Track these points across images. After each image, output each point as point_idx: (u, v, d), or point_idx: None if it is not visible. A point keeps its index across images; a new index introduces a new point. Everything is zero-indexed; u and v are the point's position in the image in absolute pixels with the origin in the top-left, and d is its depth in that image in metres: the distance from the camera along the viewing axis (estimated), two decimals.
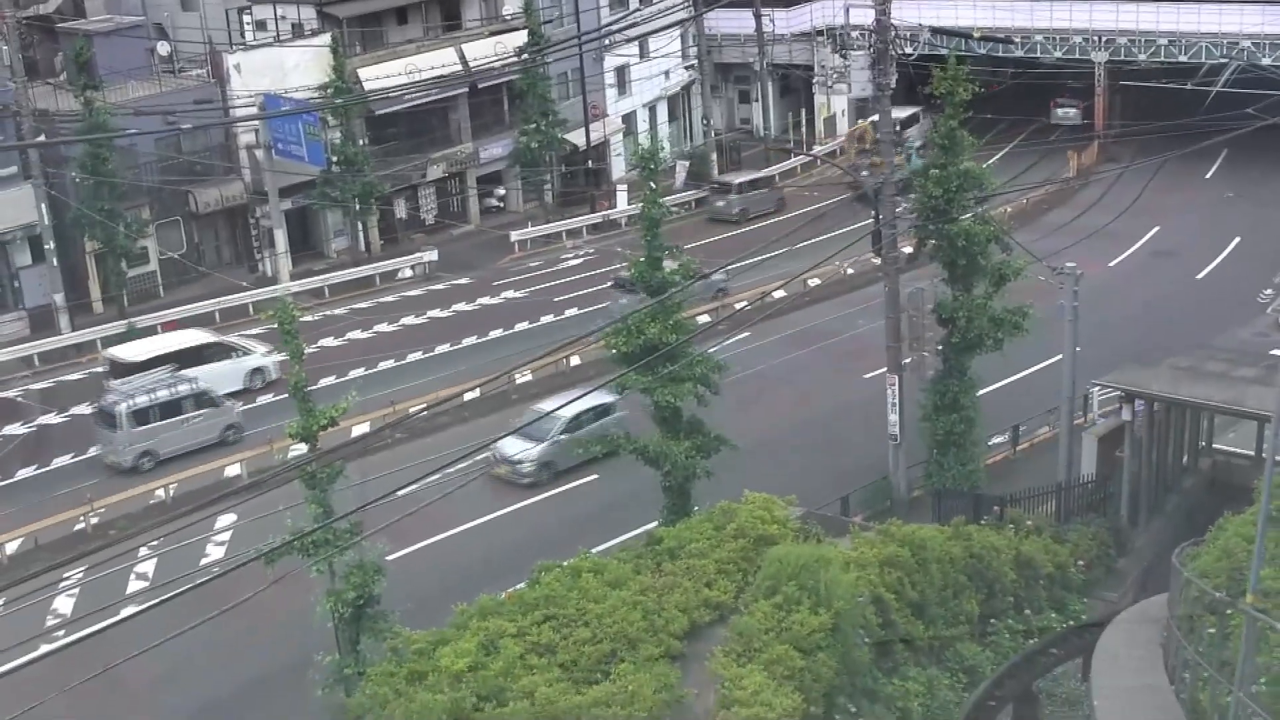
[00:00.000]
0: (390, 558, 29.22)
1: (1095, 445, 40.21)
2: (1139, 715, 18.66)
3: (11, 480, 47.44)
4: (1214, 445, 42.57)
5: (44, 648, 33.00)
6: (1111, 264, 63.25)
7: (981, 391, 43.00)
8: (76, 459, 48.68)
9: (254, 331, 58.00)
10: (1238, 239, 65.87)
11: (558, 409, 41.69)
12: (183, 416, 48.19)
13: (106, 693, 32.39)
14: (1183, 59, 76.37)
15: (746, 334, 52.50)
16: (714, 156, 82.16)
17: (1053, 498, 39.64)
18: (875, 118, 68.43)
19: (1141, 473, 38.90)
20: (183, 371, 50.10)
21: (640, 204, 36.55)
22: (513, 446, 43.77)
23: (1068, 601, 34.83)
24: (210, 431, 48.73)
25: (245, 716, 33.17)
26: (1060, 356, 40.70)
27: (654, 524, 34.48)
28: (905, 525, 31.37)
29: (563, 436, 43.53)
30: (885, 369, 42.09)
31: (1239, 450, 41.31)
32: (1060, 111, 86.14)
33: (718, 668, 23.67)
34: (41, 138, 57.92)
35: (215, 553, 41.00)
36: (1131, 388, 37.91)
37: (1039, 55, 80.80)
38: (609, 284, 60.45)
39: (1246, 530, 22.70)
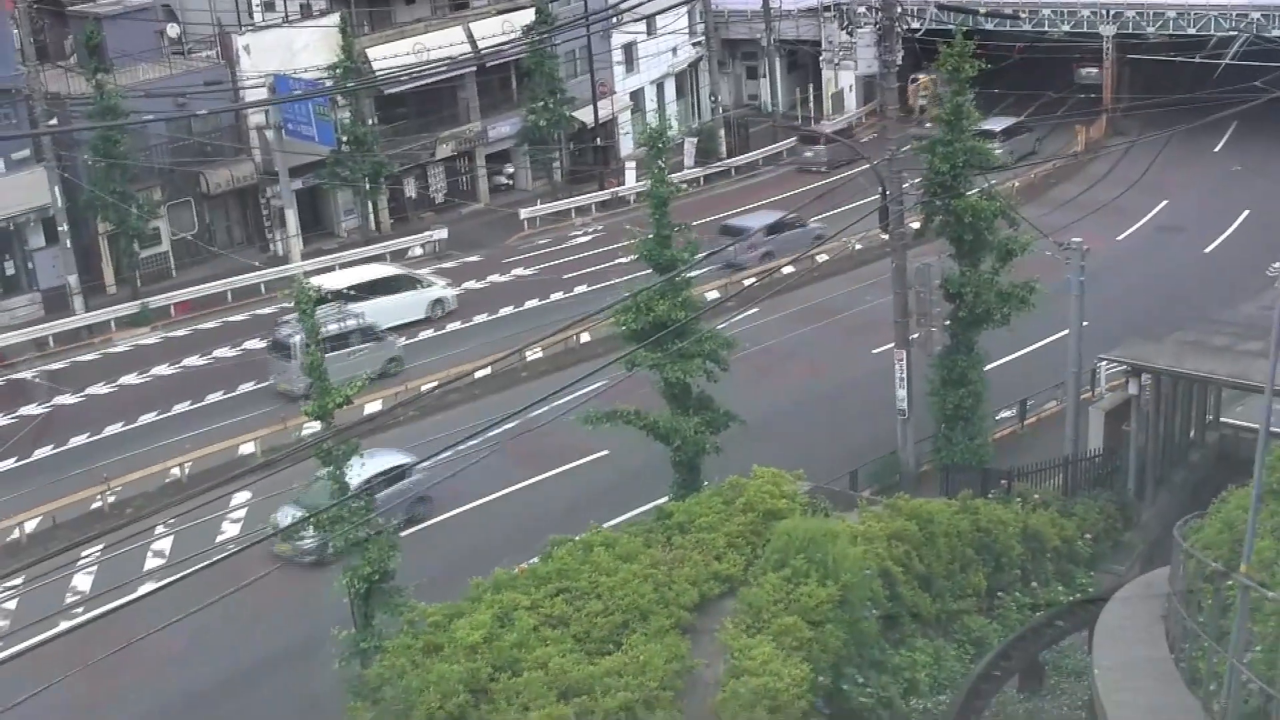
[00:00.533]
0: (403, 534, 29.59)
1: (1102, 419, 40.38)
2: (1138, 684, 18.97)
3: (27, 460, 47.81)
4: (1222, 419, 42.64)
5: (63, 624, 33.46)
6: (1119, 238, 63.38)
7: (989, 366, 43.21)
8: (92, 438, 49.09)
9: (430, 269, 63.35)
10: (1246, 212, 65.90)
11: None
12: (350, 349, 50.59)
13: (126, 667, 32.95)
14: (1191, 31, 76.12)
15: (755, 309, 52.68)
16: (721, 133, 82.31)
17: (1060, 472, 39.87)
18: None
19: (1148, 446, 39.07)
20: (352, 306, 53.50)
21: (649, 181, 36.87)
22: (293, 517, 37.27)
23: (1075, 575, 35.07)
24: (374, 364, 50.13)
25: (262, 690, 33.50)
26: (1067, 331, 40.96)
27: (664, 499, 34.76)
28: (912, 499, 31.76)
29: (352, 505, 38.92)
30: (893, 344, 42.34)
31: (1247, 424, 41.29)
32: (1084, 71, 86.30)
33: (727, 639, 24.16)
34: (53, 121, 58.30)
35: (230, 530, 41.43)
36: (1137, 362, 38.11)
37: (1047, 29, 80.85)
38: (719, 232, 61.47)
39: (1249, 503, 22.98)
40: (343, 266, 62.08)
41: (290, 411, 46.78)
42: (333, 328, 49.52)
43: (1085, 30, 79.44)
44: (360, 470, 34.68)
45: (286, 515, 38.07)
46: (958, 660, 28.67)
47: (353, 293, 54.98)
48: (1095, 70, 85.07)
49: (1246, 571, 17.47)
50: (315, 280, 54.52)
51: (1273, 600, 16.39)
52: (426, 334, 57.05)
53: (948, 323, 41.51)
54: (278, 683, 33.66)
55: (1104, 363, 44.16)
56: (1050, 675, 28.91)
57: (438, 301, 58.83)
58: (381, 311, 55.06)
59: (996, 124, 78.75)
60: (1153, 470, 39.23)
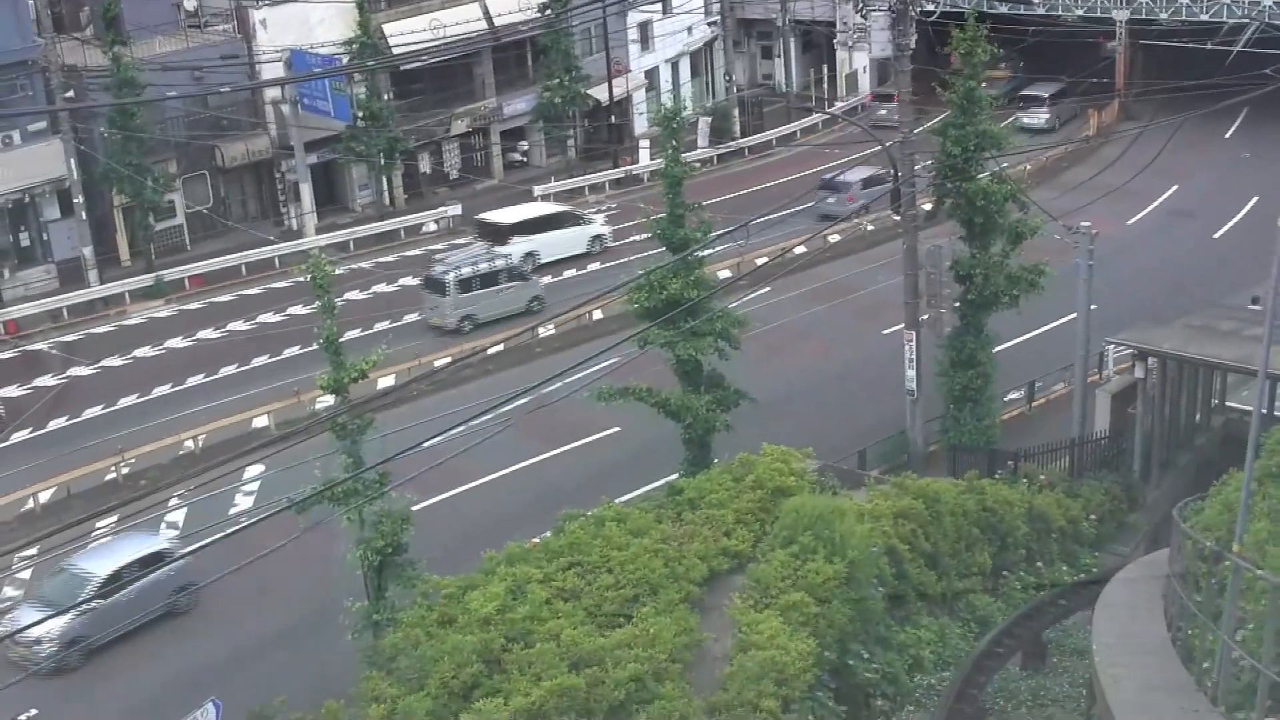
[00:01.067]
0: (415, 509, 29.91)
1: (1109, 402, 40.74)
2: (1135, 661, 19.35)
3: (42, 431, 48.16)
4: (1228, 403, 42.92)
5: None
6: (1129, 222, 63.62)
7: (998, 348, 43.46)
8: (107, 409, 49.47)
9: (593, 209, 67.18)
10: (1256, 198, 66.00)
11: (96, 560, 34.59)
12: (498, 287, 55.15)
13: (137, 637, 33.41)
14: (1204, 18, 76.16)
15: (767, 289, 52.96)
16: (736, 113, 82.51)
17: (1066, 454, 40.23)
18: None
19: (1154, 429, 39.42)
20: (523, 239, 59.71)
21: (662, 160, 37.19)
22: (31, 617, 33.48)
23: (1079, 555, 35.54)
24: (518, 302, 55.43)
25: (274, 659, 33.82)
26: (1076, 314, 41.23)
27: (674, 476, 35.13)
28: (920, 479, 32.14)
29: (97, 602, 34.09)
30: (903, 325, 42.62)
31: (1252, 408, 41.54)
32: (1111, 45, 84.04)
33: (735, 613, 24.60)
34: (70, 93, 58.59)
35: (244, 503, 41.68)
36: (1144, 345, 38.43)
37: (1061, 13, 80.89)
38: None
39: (1237, 482, 23.32)
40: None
41: (442, 343, 51.71)
42: (483, 266, 54.93)
43: (1099, 15, 79.43)
44: (108, 559, 34.51)
45: (27, 614, 34.07)
46: (962, 638, 29.09)
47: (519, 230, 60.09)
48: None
49: (1239, 552, 17.86)
50: (484, 215, 61.95)
51: (1262, 578, 16.74)
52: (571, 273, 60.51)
53: (957, 304, 41.88)
54: (288, 654, 34.00)
55: (1111, 346, 44.42)
56: (1053, 654, 29.27)
57: (597, 237, 62.67)
58: (550, 245, 60.68)
59: (1044, 89, 79.02)
60: (1158, 453, 39.56)
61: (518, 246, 59.39)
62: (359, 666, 27.58)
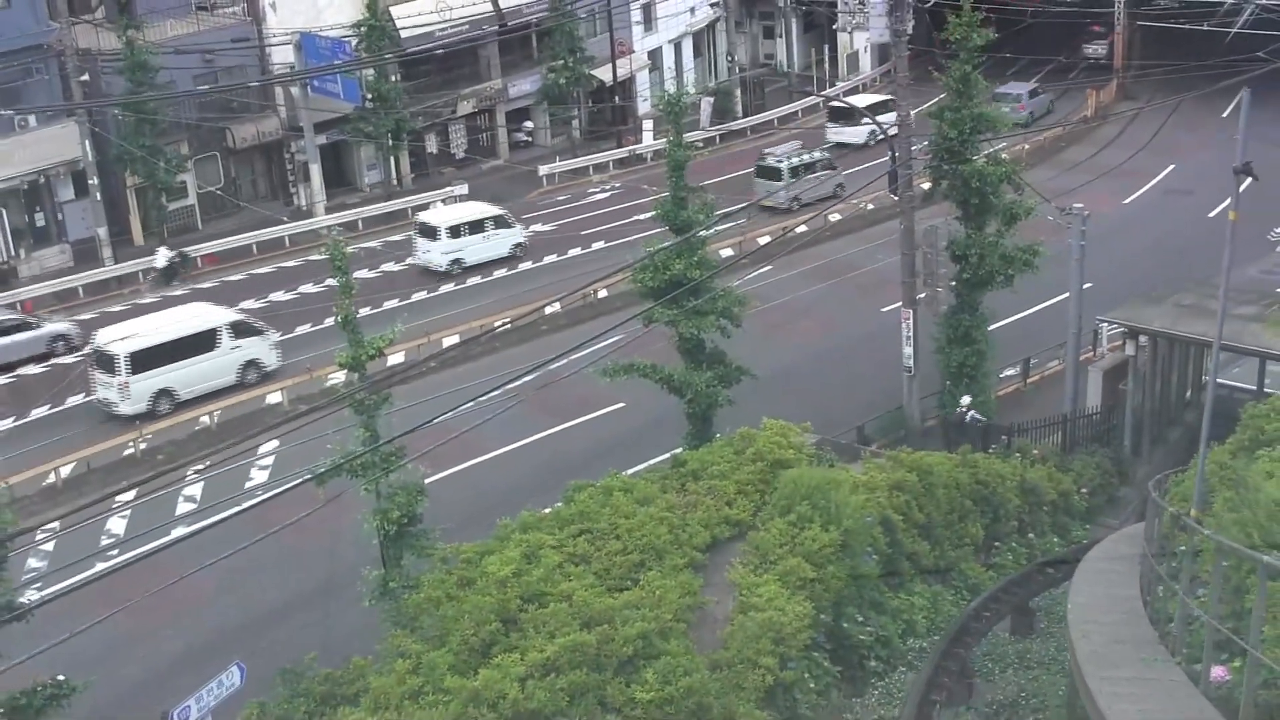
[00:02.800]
0: (427, 481, 30.91)
1: (1101, 379, 41.66)
2: (1105, 619, 20.49)
3: (62, 407, 49.15)
4: (1218, 380, 43.69)
5: (99, 565, 34.84)
6: (1126, 201, 64.41)
7: (995, 326, 44.28)
8: None
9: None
10: (1250, 178, 66.57)
11: None
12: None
13: (159, 607, 34.29)
14: None
15: (769, 267, 53.87)
16: (738, 93, 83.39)
17: (1059, 429, 41.22)
18: None
19: (1145, 405, 40.29)
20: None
21: (666, 141, 38.17)
22: None
23: (1070, 527, 36.48)
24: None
25: (291, 625, 34.79)
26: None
27: (677, 449, 35.96)
28: (914, 452, 33.23)
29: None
30: (901, 303, 43.56)
31: (1242, 385, 42.30)
32: (1091, 47, 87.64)
33: (736, 577, 25.84)
34: (85, 77, 59.55)
35: (259, 476, 42.72)
36: (1134, 324, 39.31)
37: None
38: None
39: (1223, 458, 24.51)
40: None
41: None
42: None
43: None
44: None
45: None
46: (954, 605, 30.18)
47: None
48: (1102, 45, 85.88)
49: (1195, 515, 19.09)
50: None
51: (1210, 539, 17.88)
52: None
53: (954, 283, 42.65)
54: (304, 620, 34.98)
55: (1105, 324, 45.31)
56: (1040, 619, 30.33)
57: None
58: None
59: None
60: (1149, 428, 40.42)
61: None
62: (372, 630, 28.77)
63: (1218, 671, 17.08)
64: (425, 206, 67.70)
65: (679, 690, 22.33)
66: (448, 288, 58.34)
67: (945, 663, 25.62)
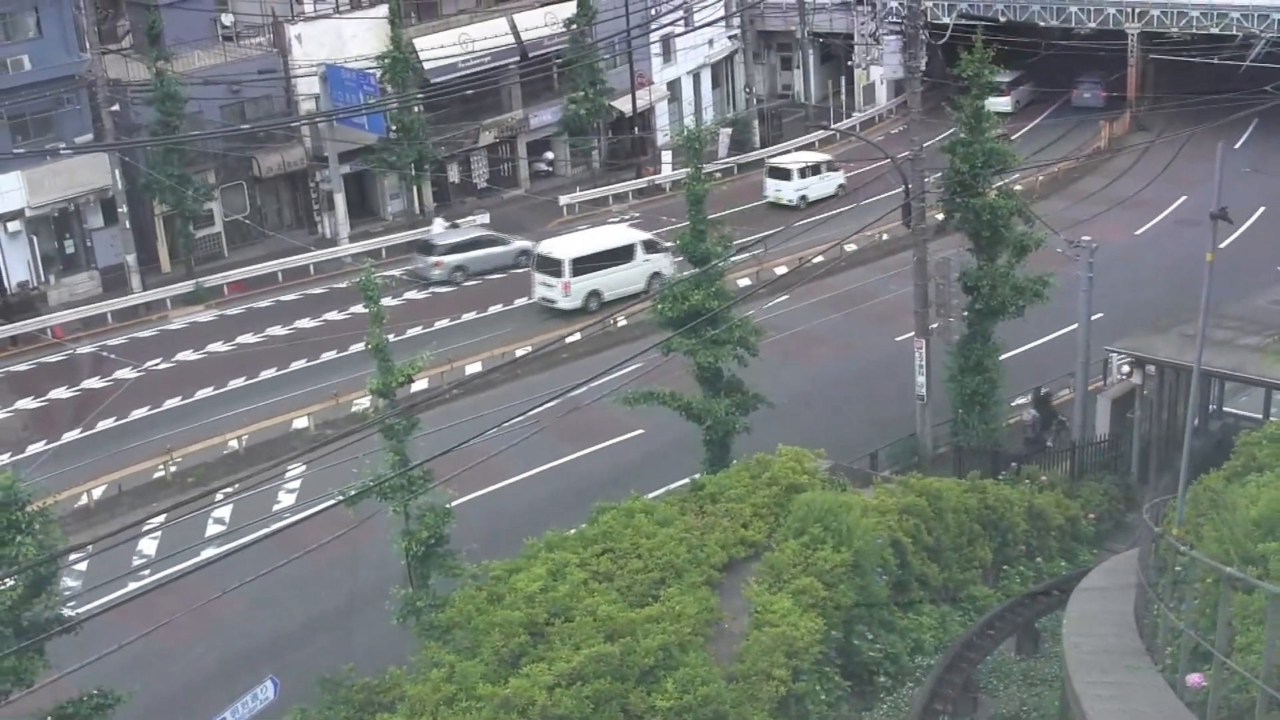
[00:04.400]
0: (453, 504, 31.87)
1: (1109, 407, 42.48)
2: (1096, 631, 21.61)
3: (92, 431, 50.06)
4: (1225, 409, 44.38)
5: (131, 585, 35.80)
6: (1138, 232, 65.10)
7: (1007, 355, 45.16)
8: (152, 410, 51.51)
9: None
10: (1262, 209, 67.00)
11: None
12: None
13: (188, 623, 35.23)
14: (1214, 30, 77.44)
15: (786, 296, 54.71)
16: (755, 124, 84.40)
17: (1068, 456, 42.07)
18: None
19: (1152, 433, 41.08)
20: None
21: (685, 171, 39.15)
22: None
23: (1078, 552, 37.40)
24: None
25: (317, 643, 35.78)
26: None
27: (695, 475, 36.69)
28: (924, 478, 34.29)
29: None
30: (914, 333, 44.43)
31: (1248, 413, 42.96)
32: (1083, 95, 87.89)
33: (751, 595, 27.05)
34: (115, 107, 60.72)
35: (286, 499, 43.75)
36: (1141, 353, 40.15)
37: (1073, 25, 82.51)
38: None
39: (1218, 483, 25.50)
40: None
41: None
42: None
43: (1111, 27, 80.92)
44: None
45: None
46: (961, 625, 31.14)
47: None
48: (1096, 92, 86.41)
49: (1178, 534, 20.19)
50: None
51: (1186, 555, 18.96)
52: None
53: (966, 313, 43.42)
54: (329, 637, 35.97)
55: (1114, 353, 46.06)
56: (1045, 640, 31.23)
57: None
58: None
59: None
60: (1156, 456, 41.21)
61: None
62: (395, 648, 29.96)
63: (1194, 678, 18.16)
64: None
65: (697, 699, 23.73)
66: (470, 315, 59.33)
67: (949, 676, 26.64)
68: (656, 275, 57.60)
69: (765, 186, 72.14)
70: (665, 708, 23.69)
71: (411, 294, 62.07)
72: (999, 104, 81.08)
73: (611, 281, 58.08)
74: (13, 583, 24.25)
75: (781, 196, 71.07)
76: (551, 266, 58.17)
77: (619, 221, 69.16)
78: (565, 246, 59.39)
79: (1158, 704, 18.42)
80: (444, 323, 57.99)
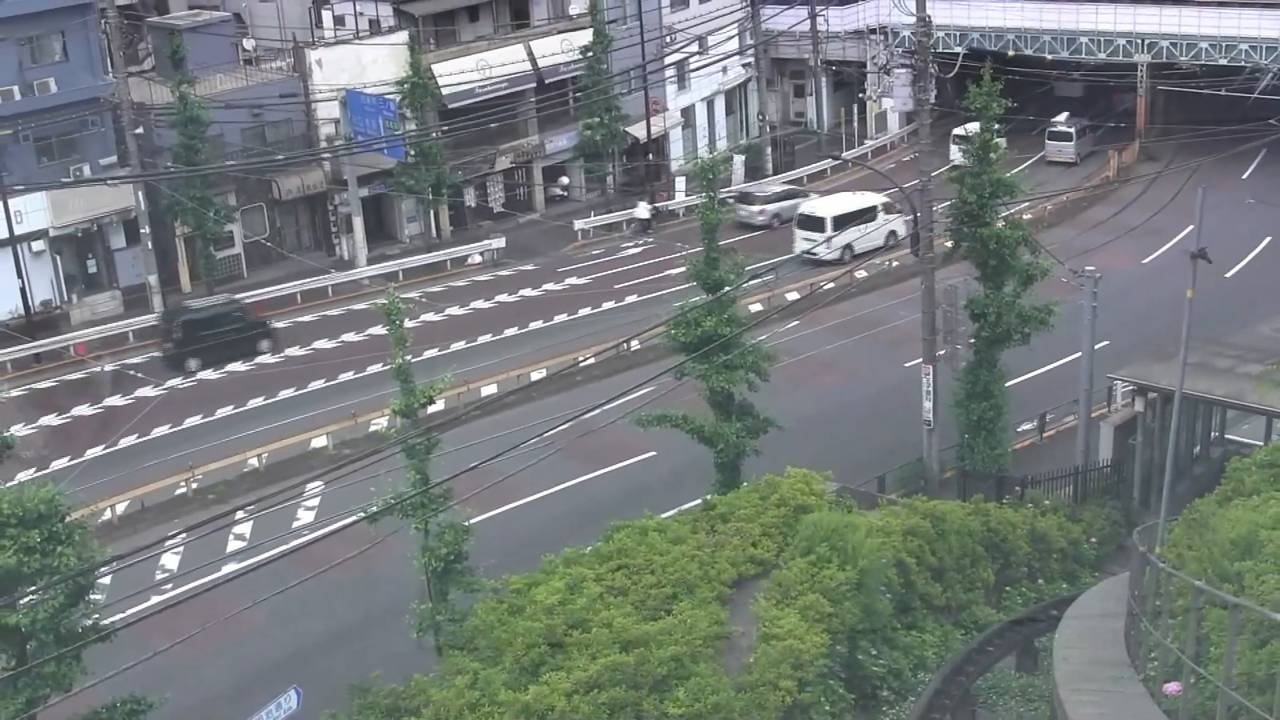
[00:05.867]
0: (470, 522, 32.77)
1: (1112, 433, 43.24)
2: (1085, 644, 22.68)
3: (116, 448, 51.09)
4: (1227, 435, 45.13)
5: (154, 598, 36.74)
6: (1145, 260, 65.70)
7: (1012, 381, 45.96)
8: (174, 429, 52.51)
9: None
10: (1269, 239, 67.72)
11: None
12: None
13: (209, 638, 36.08)
14: (1223, 62, 77.98)
15: (796, 322, 55.53)
16: (768, 151, 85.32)
17: (1071, 481, 42.87)
18: None
19: (1154, 459, 41.79)
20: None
21: (698, 198, 40.00)
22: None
23: (1079, 574, 38.17)
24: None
25: (334, 657, 36.62)
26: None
27: (706, 496, 37.24)
28: (929, 501, 35.25)
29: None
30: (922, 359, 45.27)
31: (1250, 441, 43.65)
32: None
33: (760, 610, 28.14)
34: (139, 130, 61.78)
35: (305, 517, 44.66)
36: (1143, 381, 40.95)
37: (1084, 56, 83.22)
38: None
39: (1208, 508, 26.44)
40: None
41: None
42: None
43: (1120, 58, 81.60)
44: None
45: None
46: (963, 643, 32.03)
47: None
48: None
49: (1160, 553, 21.21)
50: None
51: (1165, 571, 20.02)
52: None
53: (972, 341, 44.31)
54: (349, 651, 36.86)
55: (1118, 381, 46.82)
56: (1046, 658, 32.05)
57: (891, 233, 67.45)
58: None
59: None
60: (1158, 481, 41.90)
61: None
62: (412, 660, 30.88)
63: (1170, 686, 19.19)
64: (463, 259, 69.72)
65: (707, 707, 24.98)
66: (485, 338, 60.20)
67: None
68: (893, 234, 66.85)
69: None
70: (677, 715, 24.90)
71: (429, 316, 62.88)
72: (1061, 152, 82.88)
73: (860, 237, 65.83)
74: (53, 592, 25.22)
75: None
76: (814, 224, 66.93)
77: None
78: (826, 206, 69.06)
79: (1137, 711, 19.42)
80: (460, 345, 58.84)
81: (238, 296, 63.11)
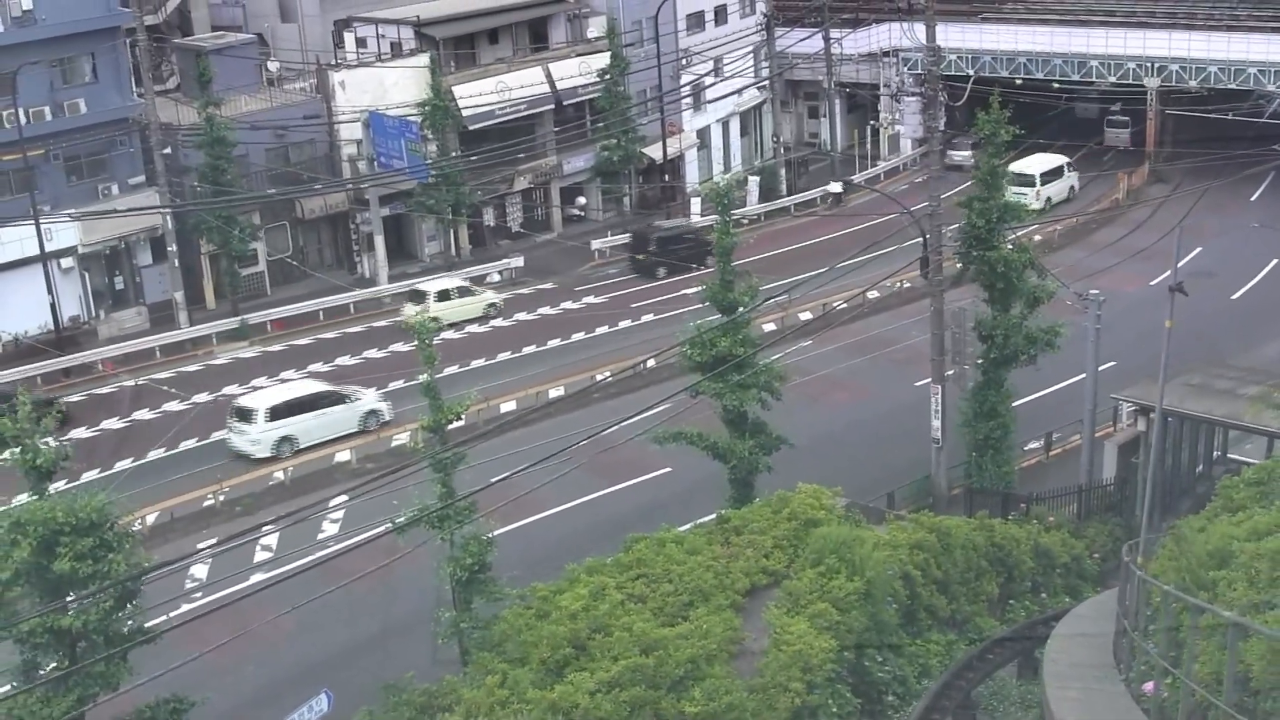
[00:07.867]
0: (492, 535, 33.99)
1: (1116, 452, 44.32)
2: (1074, 649, 24.07)
3: (143, 460, 52.33)
4: (1229, 455, 46.04)
5: (184, 606, 37.84)
6: (1153, 282, 66.53)
7: (1019, 401, 47.01)
8: (200, 442, 53.67)
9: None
10: (1275, 261, 68.69)
11: None
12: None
13: (237, 645, 37.21)
14: (1232, 86, 79.07)
15: (809, 341, 56.45)
16: (783, 172, 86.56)
17: (1075, 499, 43.97)
18: None
19: (1156, 478, 42.83)
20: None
21: (713, 216, 41.05)
22: None
23: (1082, 589, 39.10)
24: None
25: (361, 664, 37.62)
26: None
27: (720, 511, 38.03)
28: (935, 516, 36.50)
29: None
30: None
31: (1251, 460, 44.50)
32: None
33: (771, 618, 29.57)
34: (167, 150, 63.10)
35: (330, 529, 45.75)
36: (1145, 402, 41.97)
37: (1094, 79, 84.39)
38: None
39: (1198, 523, 27.61)
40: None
41: None
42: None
43: (1130, 82, 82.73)
44: None
45: None
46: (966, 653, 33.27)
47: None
48: (1124, 130, 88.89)
49: (1141, 564, 22.53)
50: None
51: (1146, 581, 21.35)
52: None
53: (980, 361, 45.31)
54: (374, 658, 37.84)
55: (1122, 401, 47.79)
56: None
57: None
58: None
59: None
60: (1160, 500, 42.93)
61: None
62: (435, 667, 32.10)
63: (1148, 686, 20.52)
64: (483, 277, 70.81)
65: (721, 706, 26.63)
66: (504, 355, 61.41)
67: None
68: (1073, 188, 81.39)
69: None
70: (693, 713, 26.49)
71: (449, 334, 63.98)
72: (1119, 138, 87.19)
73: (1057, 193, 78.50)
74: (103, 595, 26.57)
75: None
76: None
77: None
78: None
79: (1117, 708, 20.75)
80: (480, 362, 60.06)
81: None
